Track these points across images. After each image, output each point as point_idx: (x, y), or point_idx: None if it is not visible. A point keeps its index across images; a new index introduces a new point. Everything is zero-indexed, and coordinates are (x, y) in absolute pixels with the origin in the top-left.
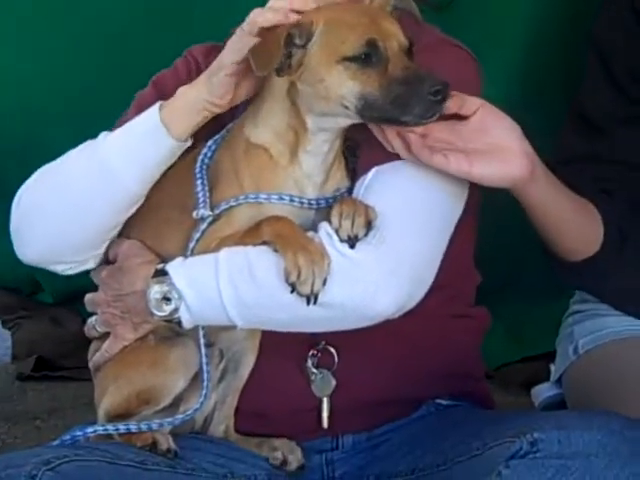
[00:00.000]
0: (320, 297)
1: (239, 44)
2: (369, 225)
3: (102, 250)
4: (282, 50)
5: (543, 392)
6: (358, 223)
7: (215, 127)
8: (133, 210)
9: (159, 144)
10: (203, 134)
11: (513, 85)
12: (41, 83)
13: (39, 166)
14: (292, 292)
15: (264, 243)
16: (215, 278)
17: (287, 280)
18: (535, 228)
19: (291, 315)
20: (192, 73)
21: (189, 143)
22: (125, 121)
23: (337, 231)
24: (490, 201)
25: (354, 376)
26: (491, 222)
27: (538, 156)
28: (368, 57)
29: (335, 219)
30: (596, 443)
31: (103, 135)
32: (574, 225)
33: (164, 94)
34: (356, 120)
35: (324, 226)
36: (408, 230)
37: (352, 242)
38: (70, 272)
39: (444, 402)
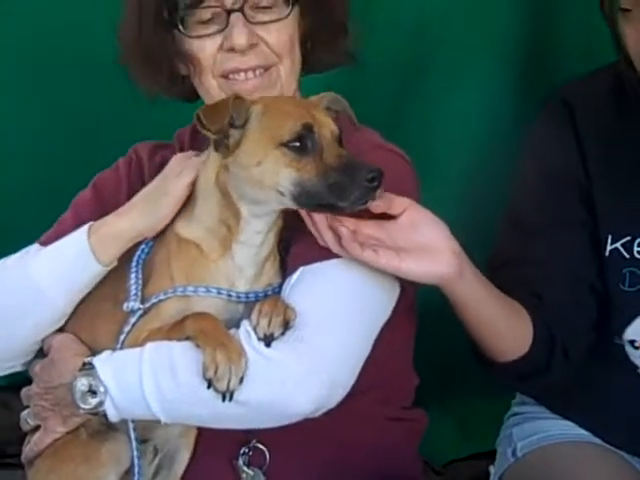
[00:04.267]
0: (236, 395)
1: (189, 164)
2: (286, 325)
3: (28, 359)
4: (230, 110)
5: None
6: (275, 322)
7: None
8: (59, 326)
9: (86, 270)
10: None
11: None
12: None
13: None
14: (209, 388)
15: (188, 338)
16: (138, 373)
17: (204, 376)
18: (464, 326)
19: (210, 411)
20: (133, 172)
21: (115, 264)
22: (62, 224)
23: (255, 329)
24: (438, 297)
25: (285, 475)
26: (438, 316)
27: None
28: (304, 144)
29: (254, 317)
30: None
31: (35, 249)
32: (503, 325)
33: (102, 196)
34: (290, 206)
35: (245, 324)
36: (327, 330)
37: (268, 340)
38: None
39: None
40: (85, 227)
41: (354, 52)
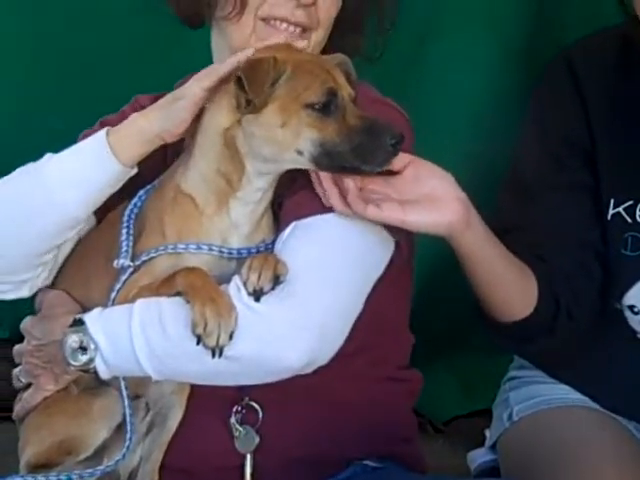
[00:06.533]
0: (226, 350)
1: (212, 70)
2: (277, 279)
3: (36, 274)
4: (271, 77)
5: (478, 457)
6: (265, 277)
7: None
8: (71, 234)
9: (105, 169)
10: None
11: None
12: None
13: None
14: (198, 344)
15: (178, 294)
16: (128, 329)
17: (193, 332)
18: (471, 282)
19: (200, 367)
20: None
21: (135, 171)
22: None
23: (245, 284)
24: (444, 256)
25: (278, 433)
26: (442, 272)
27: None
28: (327, 106)
29: (244, 272)
30: None
31: (47, 157)
32: (509, 281)
33: None
34: (305, 167)
35: (235, 279)
36: (318, 285)
37: (257, 295)
38: (5, 296)
39: (371, 464)
40: (103, 130)
41: (363, 49)
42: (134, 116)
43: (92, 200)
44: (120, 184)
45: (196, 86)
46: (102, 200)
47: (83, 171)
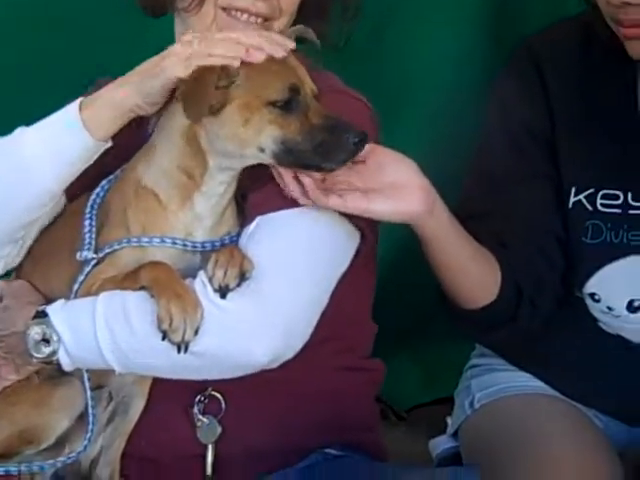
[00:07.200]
0: (191, 346)
1: (191, 59)
2: (243, 276)
3: (6, 252)
4: (210, 98)
5: (440, 444)
6: (231, 273)
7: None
8: (45, 210)
9: (78, 142)
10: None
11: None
12: None
13: None
14: (163, 339)
15: (142, 288)
16: (92, 322)
17: (159, 327)
18: (433, 268)
19: (165, 362)
20: None
21: (109, 144)
22: None
23: (210, 280)
24: (406, 245)
25: (240, 424)
26: (408, 263)
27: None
28: (289, 103)
29: (210, 268)
30: None
31: (20, 130)
32: (470, 268)
33: None
34: (267, 162)
35: (201, 275)
36: (284, 281)
37: (223, 292)
38: None
39: (333, 452)
40: (76, 101)
41: (328, 36)
42: (109, 87)
43: (66, 173)
44: (95, 157)
45: (177, 70)
46: (77, 174)
47: (56, 143)
